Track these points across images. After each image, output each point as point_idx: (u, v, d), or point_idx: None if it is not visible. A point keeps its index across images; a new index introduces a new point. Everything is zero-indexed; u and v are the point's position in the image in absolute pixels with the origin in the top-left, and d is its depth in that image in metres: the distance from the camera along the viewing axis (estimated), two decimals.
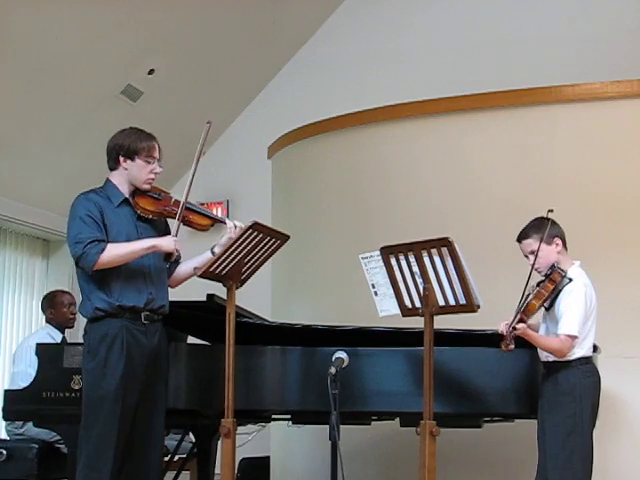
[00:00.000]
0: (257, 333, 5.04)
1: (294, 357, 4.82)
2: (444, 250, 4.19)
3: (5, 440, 6.13)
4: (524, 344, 4.55)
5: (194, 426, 5.69)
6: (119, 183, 4.40)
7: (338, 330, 5.07)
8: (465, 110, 6.47)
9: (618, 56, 7.96)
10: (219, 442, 4.56)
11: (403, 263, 4.30)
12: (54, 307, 6.35)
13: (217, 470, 5.14)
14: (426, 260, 4.24)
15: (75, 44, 7.31)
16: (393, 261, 4.32)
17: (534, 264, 4.40)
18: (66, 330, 6.45)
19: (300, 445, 6.63)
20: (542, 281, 4.40)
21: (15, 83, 7.20)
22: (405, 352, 4.76)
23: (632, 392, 5.80)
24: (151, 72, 8.11)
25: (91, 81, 7.69)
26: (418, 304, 4.31)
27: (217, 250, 4.34)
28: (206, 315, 4.91)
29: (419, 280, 4.28)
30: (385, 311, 4.45)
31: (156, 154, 4.41)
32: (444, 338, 4.53)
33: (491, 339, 4.46)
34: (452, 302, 4.24)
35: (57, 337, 6.22)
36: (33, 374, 5.08)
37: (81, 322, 5.91)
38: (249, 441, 6.65)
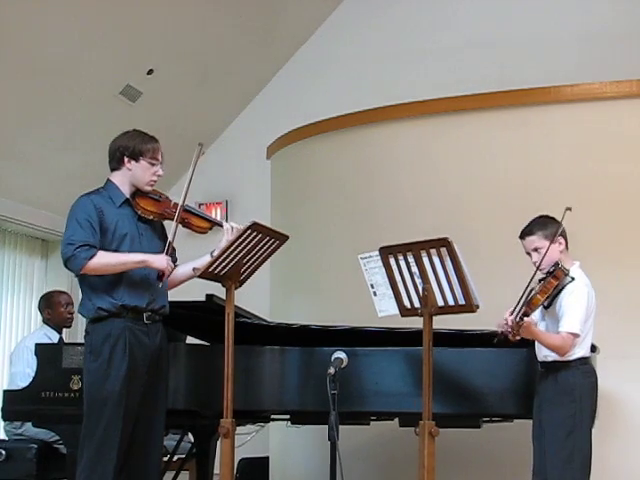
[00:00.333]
0: (256, 333, 5.04)
1: (293, 357, 4.82)
2: (443, 250, 4.19)
3: (4, 440, 6.13)
4: (522, 344, 4.55)
5: (193, 426, 5.69)
6: (120, 184, 4.41)
7: (337, 330, 5.08)
8: (464, 110, 6.48)
9: (617, 56, 7.96)
10: (218, 442, 4.56)
11: (402, 263, 4.30)
12: (51, 307, 6.35)
13: (216, 470, 5.14)
14: (425, 260, 4.24)
15: (74, 45, 7.30)
16: (392, 261, 4.32)
17: (541, 261, 4.38)
18: (64, 330, 6.45)
19: (299, 445, 6.64)
20: (544, 278, 4.39)
21: (14, 83, 7.20)
22: (404, 352, 4.76)
23: (631, 392, 5.81)
24: (150, 72, 8.10)
25: (90, 81, 7.68)
26: (417, 304, 4.30)
27: (217, 254, 4.34)
28: (205, 315, 4.91)
29: (418, 280, 4.28)
30: (384, 311, 4.45)
31: (159, 157, 4.43)
32: (443, 338, 4.53)
33: (490, 339, 4.45)
34: (451, 302, 4.24)
35: (54, 337, 6.22)
36: (31, 374, 5.09)
37: (78, 322, 5.92)
38: (248, 441, 6.65)
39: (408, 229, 5.54)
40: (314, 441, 6.11)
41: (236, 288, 4.32)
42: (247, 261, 4.32)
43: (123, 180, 4.40)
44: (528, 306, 4.27)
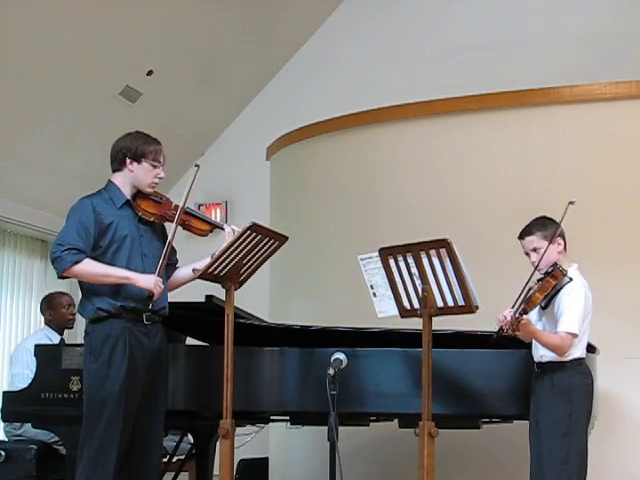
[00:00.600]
0: (255, 334, 5.04)
1: (292, 358, 4.82)
2: (442, 251, 4.19)
3: (4, 441, 6.13)
4: (522, 345, 4.56)
5: (193, 427, 5.69)
6: (122, 185, 4.40)
7: (336, 331, 5.07)
8: (464, 111, 6.48)
9: (616, 57, 7.96)
10: (218, 443, 4.56)
11: (402, 264, 4.30)
12: (53, 309, 6.34)
13: (216, 471, 5.14)
14: (425, 261, 4.24)
15: (74, 45, 7.31)
16: (392, 262, 4.32)
17: (540, 261, 4.39)
18: (65, 331, 6.44)
19: (299, 446, 6.64)
20: (542, 278, 4.39)
21: (13, 84, 7.20)
22: (403, 353, 4.76)
23: (631, 392, 5.81)
24: (150, 73, 8.10)
25: (90, 82, 7.69)
26: (417, 305, 4.31)
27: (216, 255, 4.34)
28: (205, 316, 4.91)
29: (417, 281, 4.28)
30: (384, 312, 4.45)
31: (161, 159, 4.43)
32: (443, 339, 4.53)
33: (490, 340, 4.45)
34: (451, 303, 4.24)
35: (55, 339, 6.22)
36: (30, 375, 5.09)
37: (79, 323, 5.91)
38: (248, 442, 6.65)
39: (408, 230, 5.54)
40: (314, 442, 6.10)
41: (236, 289, 4.32)
42: (247, 262, 4.32)
43: (124, 181, 4.40)
44: (527, 304, 4.28)
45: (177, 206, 4.36)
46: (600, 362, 5.06)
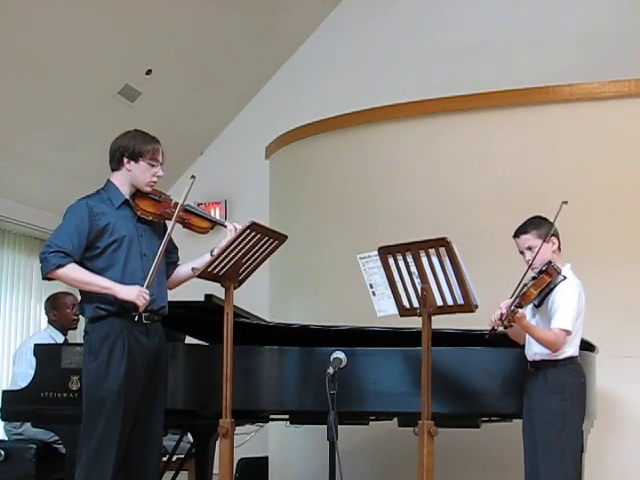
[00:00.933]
0: (255, 333, 5.04)
1: (292, 357, 4.82)
2: (442, 250, 4.19)
3: (3, 440, 6.13)
4: (520, 344, 4.56)
5: (192, 426, 5.68)
6: (120, 184, 4.39)
7: (336, 330, 5.08)
8: (463, 110, 6.49)
9: (615, 56, 7.97)
10: (217, 442, 4.56)
11: (401, 263, 4.30)
12: (57, 309, 6.33)
13: (215, 470, 5.14)
14: (424, 260, 4.24)
15: (73, 45, 7.31)
16: (391, 261, 4.33)
17: (534, 259, 4.41)
18: (69, 332, 6.43)
19: (298, 445, 6.64)
20: (537, 276, 4.42)
21: (13, 84, 7.20)
22: (403, 352, 4.76)
23: (630, 392, 5.82)
24: (149, 72, 8.11)
25: (89, 82, 7.69)
26: (416, 304, 4.31)
27: (216, 253, 4.33)
28: (204, 315, 4.91)
29: (417, 280, 4.28)
30: (383, 311, 4.45)
31: (160, 158, 4.41)
32: (442, 338, 4.53)
33: (489, 339, 4.46)
34: (450, 302, 4.25)
35: (59, 339, 6.21)
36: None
37: (83, 324, 5.91)
38: (247, 441, 6.66)
39: (407, 229, 5.54)
40: (313, 441, 6.10)
41: (235, 288, 4.32)
42: (246, 261, 4.32)
43: (123, 181, 4.39)
44: (522, 298, 4.30)
45: (177, 203, 4.34)
46: (599, 361, 5.07)
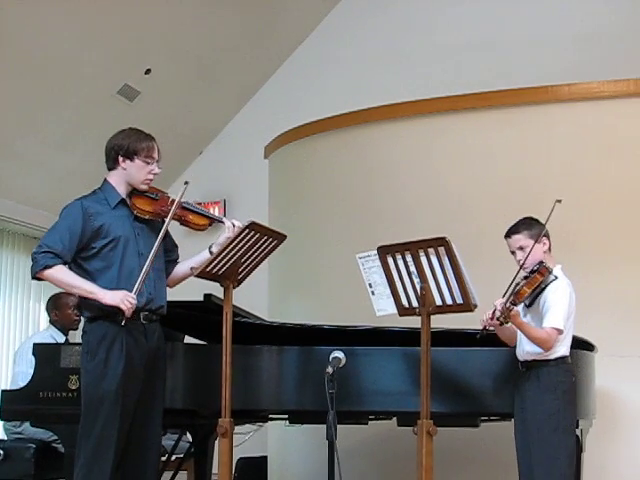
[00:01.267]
0: (254, 333, 5.04)
1: (291, 357, 4.82)
2: (441, 249, 4.19)
3: (2, 440, 6.13)
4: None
5: (191, 426, 5.68)
6: (117, 183, 4.38)
7: (335, 329, 5.07)
8: (463, 110, 6.49)
9: (615, 56, 7.97)
10: (216, 442, 4.56)
11: (400, 262, 4.30)
12: (59, 309, 6.32)
13: (214, 470, 5.13)
14: (423, 259, 4.24)
15: (72, 44, 7.31)
16: (390, 260, 4.32)
17: (525, 259, 4.42)
18: (70, 332, 6.43)
19: (297, 445, 6.64)
20: (528, 276, 4.43)
21: (12, 84, 7.20)
22: (402, 352, 4.76)
23: (629, 391, 5.82)
24: (148, 72, 8.11)
25: (88, 81, 7.69)
26: (415, 304, 4.31)
27: (215, 249, 4.33)
28: (203, 315, 4.91)
29: (416, 279, 4.28)
30: (382, 310, 4.45)
31: (155, 155, 4.39)
32: (441, 338, 4.53)
33: (488, 339, 4.46)
34: (449, 301, 4.24)
35: (59, 339, 6.20)
36: None
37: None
38: (246, 441, 6.65)
39: (407, 228, 5.53)
40: (312, 440, 6.10)
41: (234, 287, 4.32)
42: (245, 260, 4.31)
43: (119, 180, 4.38)
44: (516, 296, 4.32)
45: (174, 201, 4.34)
46: (599, 360, 5.07)
